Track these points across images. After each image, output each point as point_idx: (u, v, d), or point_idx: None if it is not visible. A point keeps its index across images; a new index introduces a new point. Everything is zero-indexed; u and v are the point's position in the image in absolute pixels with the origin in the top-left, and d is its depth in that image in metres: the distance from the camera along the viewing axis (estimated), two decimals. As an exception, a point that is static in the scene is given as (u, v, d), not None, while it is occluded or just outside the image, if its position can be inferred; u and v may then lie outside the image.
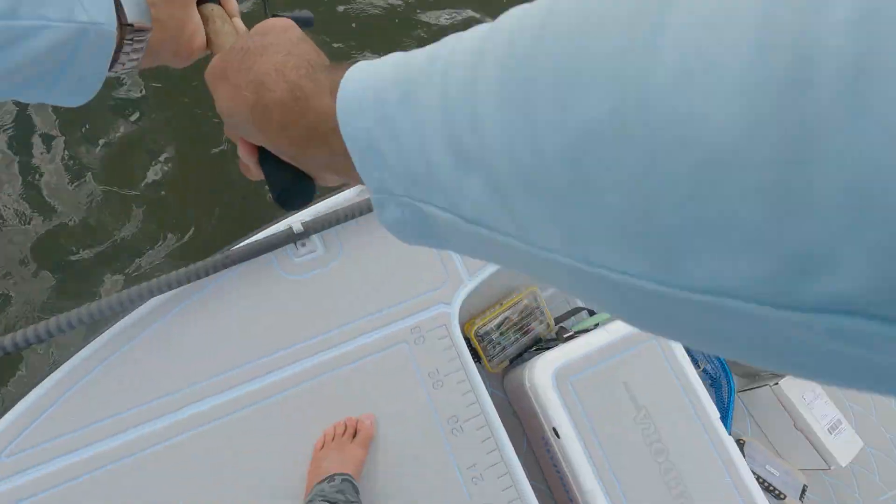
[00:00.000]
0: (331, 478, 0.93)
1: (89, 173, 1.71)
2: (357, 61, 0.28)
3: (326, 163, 0.29)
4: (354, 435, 1.02)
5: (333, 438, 1.01)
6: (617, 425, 1.06)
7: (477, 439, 1.06)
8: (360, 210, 1.18)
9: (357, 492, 0.92)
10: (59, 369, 1.02)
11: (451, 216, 0.22)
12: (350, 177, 0.29)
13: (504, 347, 1.30)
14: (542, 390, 1.10)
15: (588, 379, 1.09)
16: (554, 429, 1.07)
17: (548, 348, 1.31)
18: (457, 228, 0.22)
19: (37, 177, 1.71)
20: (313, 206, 1.21)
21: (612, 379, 1.09)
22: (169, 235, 1.67)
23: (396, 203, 0.25)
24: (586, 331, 1.31)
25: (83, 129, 1.78)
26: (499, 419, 1.08)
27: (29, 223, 1.64)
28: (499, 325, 1.30)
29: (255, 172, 0.35)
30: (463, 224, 0.21)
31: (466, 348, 1.15)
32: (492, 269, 1.23)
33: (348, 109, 0.26)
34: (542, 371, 1.11)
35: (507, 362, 1.31)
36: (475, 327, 1.29)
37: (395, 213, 0.26)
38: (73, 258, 1.60)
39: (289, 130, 0.29)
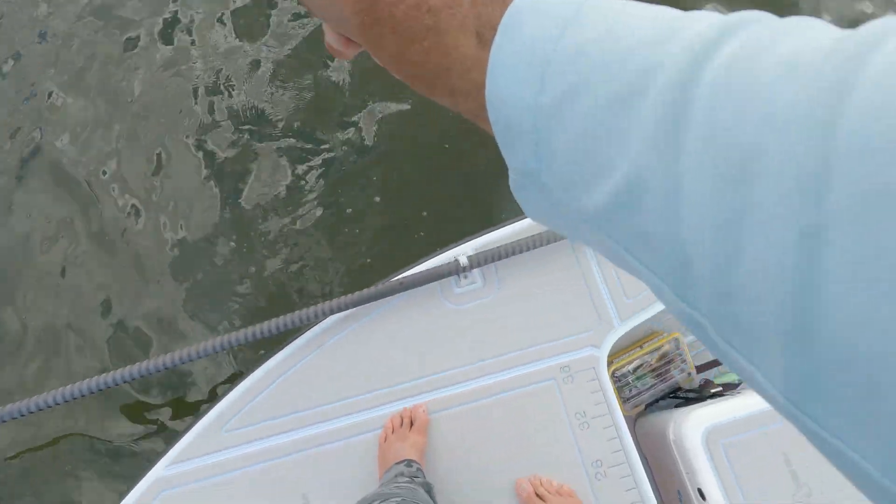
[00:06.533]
0: (408, 462, 1.03)
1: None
2: None
3: (445, 101, 0.24)
4: (412, 424, 1.11)
5: (394, 430, 1.11)
6: (772, 499, 1.07)
7: (621, 488, 1.12)
8: (520, 248, 1.21)
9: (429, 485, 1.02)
10: (259, 369, 1.18)
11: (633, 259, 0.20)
12: (473, 118, 0.24)
13: (640, 391, 1.32)
14: (689, 448, 1.12)
15: (743, 445, 1.10)
16: (700, 490, 1.10)
17: (688, 399, 1.33)
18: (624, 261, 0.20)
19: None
20: (476, 239, 1.25)
21: (770, 449, 1.09)
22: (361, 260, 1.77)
23: (541, 193, 0.22)
24: (731, 384, 1.30)
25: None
26: (643, 470, 1.12)
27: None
28: (636, 369, 1.32)
29: (348, 56, 0.29)
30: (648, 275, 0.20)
31: (614, 394, 1.19)
32: (643, 316, 1.23)
33: (504, 81, 0.21)
34: (693, 428, 1.13)
35: (642, 407, 1.34)
36: (612, 368, 1.31)
37: (536, 200, 0.22)
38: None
39: (403, 61, 0.24)
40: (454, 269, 1.20)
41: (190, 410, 1.56)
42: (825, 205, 0.14)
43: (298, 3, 0.25)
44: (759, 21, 0.18)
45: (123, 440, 1.55)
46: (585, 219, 0.20)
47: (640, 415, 1.36)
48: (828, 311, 0.14)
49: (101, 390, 1.11)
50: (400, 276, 1.20)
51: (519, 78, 0.20)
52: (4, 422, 1.08)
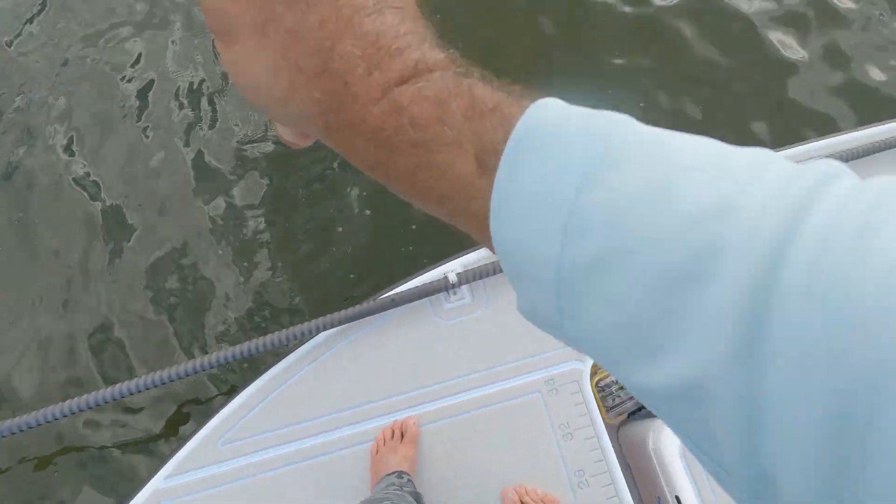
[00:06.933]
0: (399, 474, 1.07)
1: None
2: (521, 94, 0.19)
3: (436, 214, 0.21)
4: (402, 436, 1.14)
5: (385, 442, 1.14)
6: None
7: (602, 496, 1.17)
8: (508, 265, 1.25)
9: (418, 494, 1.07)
10: (254, 384, 1.21)
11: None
12: (470, 233, 0.21)
13: (623, 401, 1.37)
14: (667, 457, 1.18)
15: (714, 457, 1.15)
16: (677, 497, 1.16)
17: (667, 408, 1.38)
18: None
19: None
20: (465, 256, 1.29)
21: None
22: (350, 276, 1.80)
23: (563, 336, 0.20)
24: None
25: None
26: (623, 480, 1.18)
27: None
28: (620, 377, 1.37)
29: (306, 144, 0.24)
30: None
31: (596, 406, 1.24)
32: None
33: (515, 226, 0.18)
34: (670, 437, 1.19)
35: (625, 415, 1.39)
36: (596, 378, 1.37)
37: (553, 334, 0.20)
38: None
39: (382, 174, 0.20)
40: (444, 286, 1.24)
41: (186, 425, 1.59)
42: None
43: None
44: (835, 185, 0.15)
45: (118, 454, 1.58)
46: (624, 384, 0.18)
47: (623, 423, 1.41)
48: None
49: (85, 409, 1.14)
50: (391, 293, 1.24)
51: (534, 226, 0.17)
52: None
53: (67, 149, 1.93)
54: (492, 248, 0.20)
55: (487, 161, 0.18)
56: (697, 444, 0.17)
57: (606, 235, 0.16)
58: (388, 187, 0.21)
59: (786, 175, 0.16)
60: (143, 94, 2.00)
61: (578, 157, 0.17)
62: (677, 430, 0.18)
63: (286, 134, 0.24)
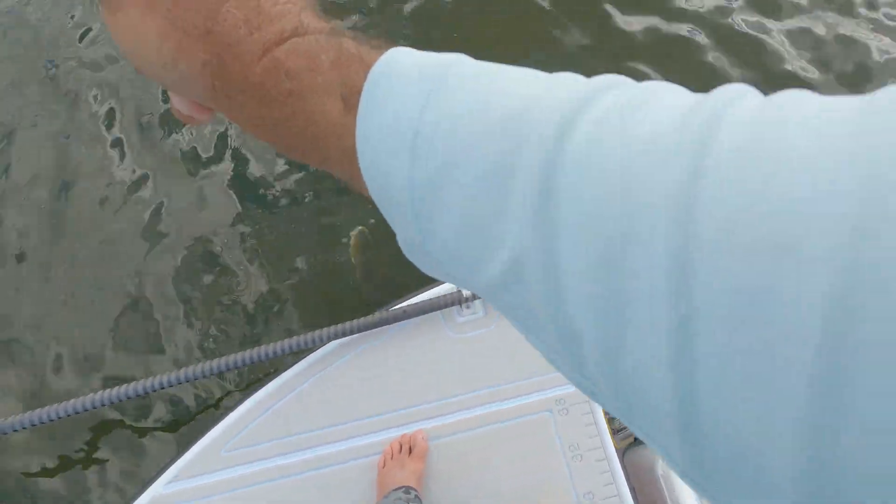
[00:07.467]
0: (406, 489, 1.05)
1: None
2: (382, 46, 0.22)
3: (316, 165, 0.23)
4: (411, 451, 1.12)
5: (393, 456, 1.12)
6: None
7: (611, 520, 1.15)
8: (523, 281, 1.25)
9: None
10: (261, 390, 1.19)
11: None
12: (348, 182, 0.23)
13: (632, 422, 1.36)
14: (677, 483, 1.16)
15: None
16: (685, 525, 1.14)
17: (677, 432, 1.36)
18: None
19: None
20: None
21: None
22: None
23: (430, 259, 0.22)
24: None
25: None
26: (632, 502, 1.16)
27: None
28: (630, 399, 1.36)
29: (202, 121, 0.26)
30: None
31: (607, 428, 1.22)
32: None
33: (375, 152, 0.20)
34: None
35: (631, 439, 1.38)
36: (607, 397, 1.35)
37: (428, 265, 0.23)
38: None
39: (265, 127, 0.22)
40: (457, 299, 1.23)
41: (190, 430, 1.56)
42: (692, 298, 0.14)
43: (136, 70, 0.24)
44: (615, 89, 0.18)
45: (119, 457, 1.55)
46: (478, 291, 0.20)
47: (629, 446, 1.39)
48: (704, 405, 0.14)
49: (91, 409, 1.11)
50: (404, 304, 1.23)
51: (389, 150, 0.20)
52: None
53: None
54: (362, 186, 0.22)
55: (351, 101, 0.21)
56: (528, 327, 0.19)
57: (441, 152, 0.19)
58: (271, 144, 0.23)
59: (582, 81, 0.19)
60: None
61: (420, 88, 0.20)
62: (512, 319, 0.20)
63: (182, 106, 0.25)
